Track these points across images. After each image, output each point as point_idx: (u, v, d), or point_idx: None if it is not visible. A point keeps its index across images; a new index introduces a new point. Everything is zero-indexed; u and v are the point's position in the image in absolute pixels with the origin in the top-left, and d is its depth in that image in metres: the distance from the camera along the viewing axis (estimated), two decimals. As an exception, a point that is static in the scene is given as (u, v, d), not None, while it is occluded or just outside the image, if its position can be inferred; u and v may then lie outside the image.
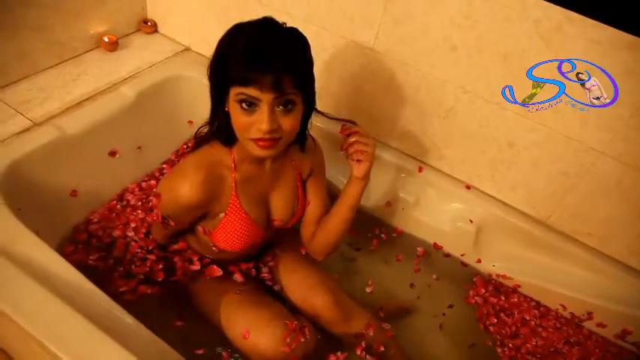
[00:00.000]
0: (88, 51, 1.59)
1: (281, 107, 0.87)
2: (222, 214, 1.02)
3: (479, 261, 1.50)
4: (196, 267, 1.15)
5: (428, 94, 1.36)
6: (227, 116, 0.92)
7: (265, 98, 0.85)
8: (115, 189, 1.38)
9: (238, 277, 1.16)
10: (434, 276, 1.48)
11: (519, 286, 1.47)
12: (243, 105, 0.86)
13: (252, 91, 0.84)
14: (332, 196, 1.24)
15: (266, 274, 1.23)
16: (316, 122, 1.06)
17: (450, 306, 1.41)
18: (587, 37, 1.08)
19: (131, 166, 1.43)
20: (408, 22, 1.28)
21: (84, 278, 0.95)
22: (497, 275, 1.49)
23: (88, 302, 0.91)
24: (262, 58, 0.83)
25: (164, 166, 1.51)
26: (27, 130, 1.25)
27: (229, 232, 1.03)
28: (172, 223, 1.04)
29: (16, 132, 1.24)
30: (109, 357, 0.83)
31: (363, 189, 1.08)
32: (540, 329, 1.39)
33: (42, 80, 1.43)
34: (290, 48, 0.86)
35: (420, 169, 1.48)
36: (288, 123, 0.89)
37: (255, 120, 0.87)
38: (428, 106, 1.39)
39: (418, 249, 1.52)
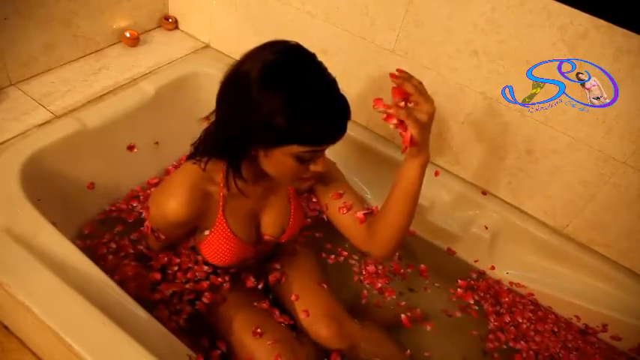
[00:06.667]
0: (109, 45, 1.61)
1: None
2: (207, 232, 1.01)
3: (492, 268, 1.49)
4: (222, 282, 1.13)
5: (447, 98, 1.35)
6: (245, 151, 0.88)
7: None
8: (131, 183, 1.39)
9: (249, 283, 1.17)
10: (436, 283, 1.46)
11: (533, 294, 1.45)
12: (304, 158, 0.85)
13: (323, 147, 0.86)
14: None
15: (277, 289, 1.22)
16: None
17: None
18: (616, 45, 1.05)
19: (148, 160, 1.44)
20: (429, 26, 1.27)
21: (99, 270, 0.96)
22: (511, 283, 1.47)
23: (102, 294, 0.92)
24: (340, 119, 0.83)
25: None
26: (48, 122, 1.28)
27: (215, 248, 1.02)
28: (162, 237, 1.01)
29: (37, 124, 1.26)
30: (120, 349, 0.84)
31: (423, 168, 0.88)
32: (533, 334, 1.36)
33: (64, 73, 1.45)
34: (343, 96, 0.85)
35: (436, 173, 1.46)
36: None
37: (309, 165, 0.88)
38: (446, 110, 1.37)
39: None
